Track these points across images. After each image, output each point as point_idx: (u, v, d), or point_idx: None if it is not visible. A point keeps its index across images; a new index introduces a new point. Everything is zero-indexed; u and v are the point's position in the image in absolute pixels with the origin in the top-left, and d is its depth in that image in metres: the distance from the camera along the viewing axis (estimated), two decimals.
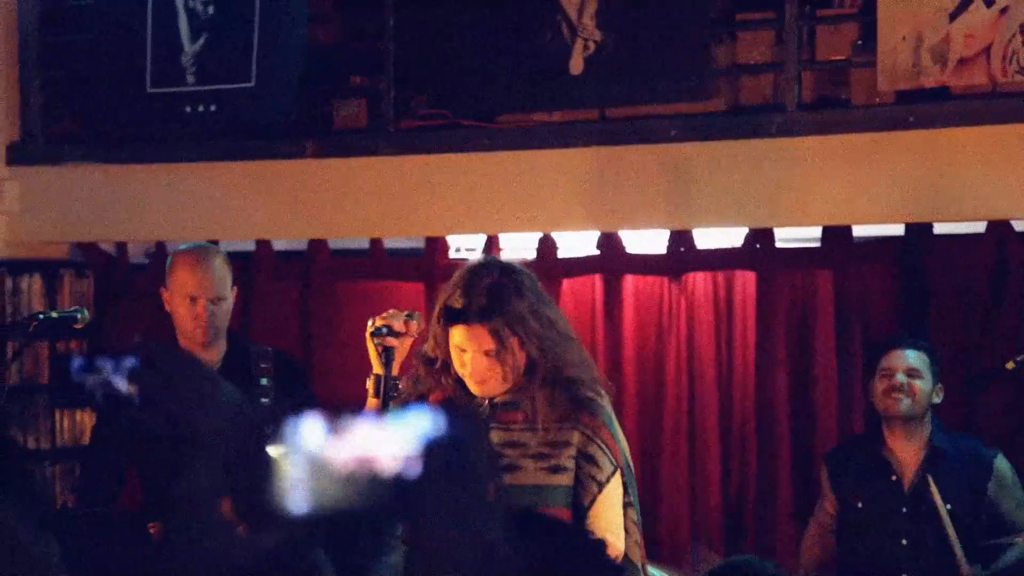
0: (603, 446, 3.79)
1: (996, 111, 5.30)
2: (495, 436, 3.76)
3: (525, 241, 5.92)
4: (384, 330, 3.85)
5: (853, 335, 5.54)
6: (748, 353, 5.63)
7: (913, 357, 4.96)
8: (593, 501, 3.75)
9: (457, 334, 3.76)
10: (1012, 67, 5.25)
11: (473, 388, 3.79)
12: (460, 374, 3.79)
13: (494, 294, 3.75)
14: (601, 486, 3.76)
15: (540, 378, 3.76)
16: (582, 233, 5.90)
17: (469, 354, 3.76)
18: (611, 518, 3.76)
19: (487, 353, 3.75)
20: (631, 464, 3.85)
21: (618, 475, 3.79)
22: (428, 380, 3.87)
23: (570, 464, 3.75)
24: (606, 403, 3.84)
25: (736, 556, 3.84)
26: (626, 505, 3.81)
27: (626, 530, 3.79)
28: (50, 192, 6.52)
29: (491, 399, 3.81)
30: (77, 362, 2.03)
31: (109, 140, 6.46)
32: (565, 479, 3.75)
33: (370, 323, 3.87)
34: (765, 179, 5.55)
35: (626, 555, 3.77)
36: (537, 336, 3.76)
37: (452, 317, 3.77)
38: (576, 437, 3.76)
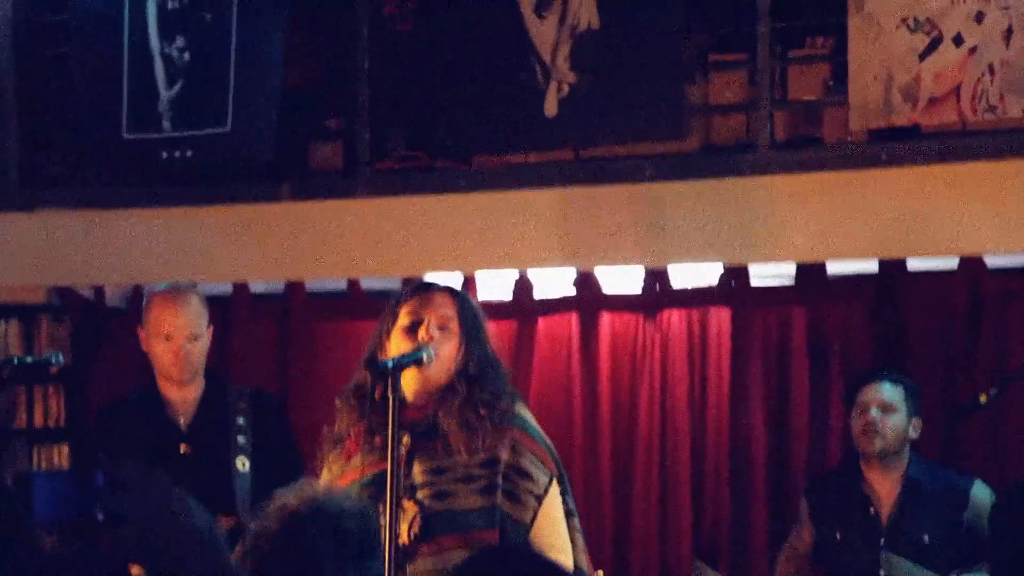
0: (534, 458, 3.75)
1: (967, 149, 5.35)
2: (419, 466, 3.72)
3: (501, 280, 5.94)
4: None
5: (828, 371, 5.57)
6: (723, 390, 5.65)
7: (888, 391, 4.99)
8: (535, 517, 3.72)
9: (420, 301, 3.78)
10: (982, 105, 5.31)
11: (414, 378, 3.71)
12: (401, 349, 3.73)
13: (455, 289, 3.88)
14: (540, 499, 3.72)
15: (459, 396, 3.74)
16: (558, 271, 5.92)
17: (425, 323, 3.74)
18: (556, 532, 3.73)
19: (442, 323, 3.76)
20: (564, 471, 3.81)
21: (555, 484, 3.76)
22: (351, 414, 3.82)
23: (499, 482, 3.70)
24: (527, 413, 3.82)
25: None
26: (567, 514, 3.78)
27: (572, 540, 3.76)
28: (27, 236, 6.53)
29: (413, 429, 3.74)
30: (48, 483, 2.01)
31: (86, 185, 6.48)
32: (496, 499, 3.70)
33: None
34: (739, 217, 5.59)
35: (576, 566, 3.74)
36: (479, 340, 3.80)
37: (423, 287, 3.84)
38: (505, 454, 3.73)
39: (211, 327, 4.85)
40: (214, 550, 1.97)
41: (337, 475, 3.87)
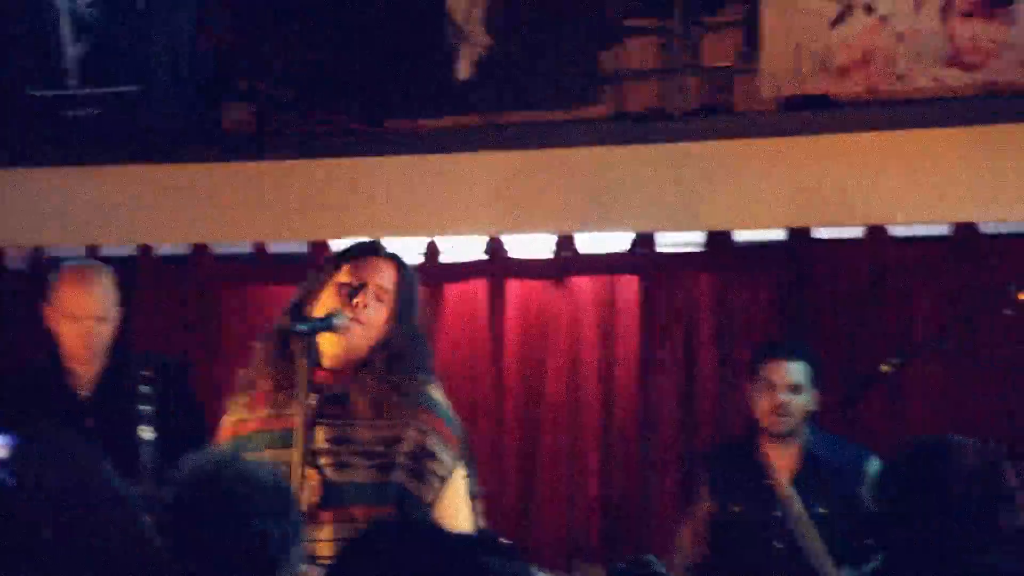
0: (440, 440, 3.73)
1: (875, 118, 5.37)
2: (322, 432, 3.69)
3: (411, 246, 5.90)
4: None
5: (735, 339, 5.58)
6: (630, 357, 5.65)
7: (795, 371, 4.98)
8: (437, 498, 3.70)
9: (366, 264, 3.75)
10: (891, 75, 5.33)
11: (334, 342, 3.69)
12: (329, 307, 3.70)
13: (401, 259, 3.84)
14: (444, 480, 3.71)
15: (375, 372, 3.71)
16: (468, 238, 5.89)
17: (364, 289, 3.71)
18: (459, 513, 3.73)
19: (379, 293, 3.73)
20: (472, 454, 3.82)
21: (460, 468, 3.75)
22: (265, 360, 3.77)
23: (403, 461, 3.68)
24: (439, 395, 3.81)
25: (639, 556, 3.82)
26: (471, 497, 3.78)
27: (474, 523, 3.77)
28: None
29: (322, 392, 3.69)
30: None
31: None
32: (397, 477, 3.68)
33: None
34: (649, 184, 5.58)
35: None
36: (411, 315, 3.78)
37: (372, 248, 3.78)
38: (410, 434, 3.70)
39: (120, 307, 4.79)
40: (130, 510, 1.94)
41: (239, 420, 3.82)
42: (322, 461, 3.69)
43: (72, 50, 6.30)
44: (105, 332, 4.75)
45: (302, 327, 3.66)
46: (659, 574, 4.59)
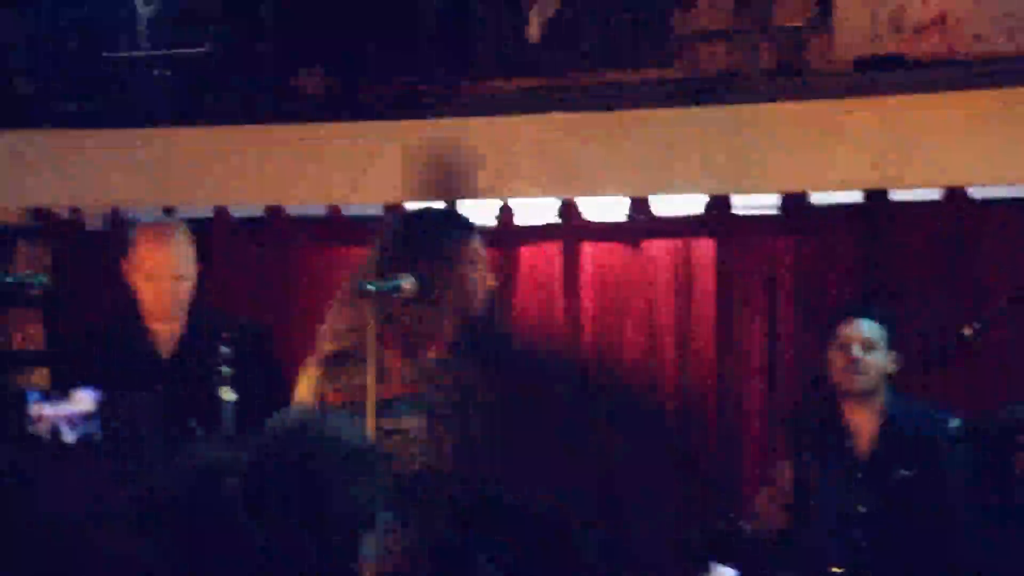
0: None
1: (952, 78, 5.33)
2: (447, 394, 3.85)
3: (485, 209, 5.91)
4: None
5: (812, 302, 5.56)
6: (707, 321, 5.65)
7: (869, 328, 4.99)
8: None
9: (472, 246, 3.98)
10: (968, 34, 5.29)
11: (472, 305, 3.89)
12: (464, 289, 3.90)
13: None
14: None
15: (485, 337, 3.96)
16: (542, 201, 5.90)
17: (480, 266, 3.96)
18: None
19: None
20: None
21: None
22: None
23: None
24: None
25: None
26: None
27: None
28: (5, 157, 6.46)
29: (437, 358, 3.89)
30: (34, 396, 1.99)
31: (64, 105, 6.40)
32: None
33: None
34: (724, 146, 5.56)
35: None
36: None
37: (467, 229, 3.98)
38: None
39: (198, 264, 4.82)
40: (214, 471, 1.97)
41: (335, 388, 3.89)
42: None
43: (144, 11, 6.33)
44: (183, 290, 4.77)
45: (370, 287, 3.77)
46: (746, 538, 4.62)
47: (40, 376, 6.27)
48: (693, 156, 5.60)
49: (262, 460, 3.02)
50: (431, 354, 3.88)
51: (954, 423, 4.91)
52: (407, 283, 3.79)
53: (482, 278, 3.91)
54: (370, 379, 3.68)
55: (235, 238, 6.23)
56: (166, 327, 4.81)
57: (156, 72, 6.26)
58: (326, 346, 3.94)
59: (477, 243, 3.94)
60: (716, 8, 5.77)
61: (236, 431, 4.72)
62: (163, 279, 4.74)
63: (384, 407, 3.78)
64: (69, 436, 1.95)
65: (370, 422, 3.65)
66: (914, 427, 4.95)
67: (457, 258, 3.89)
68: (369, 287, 3.76)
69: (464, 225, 3.98)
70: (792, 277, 5.58)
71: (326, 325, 3.98)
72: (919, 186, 5.43)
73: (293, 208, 6.22)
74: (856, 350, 4.96)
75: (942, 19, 5.35)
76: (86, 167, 6.34)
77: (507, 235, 5.82)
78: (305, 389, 3.94)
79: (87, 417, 1.97)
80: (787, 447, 5.13)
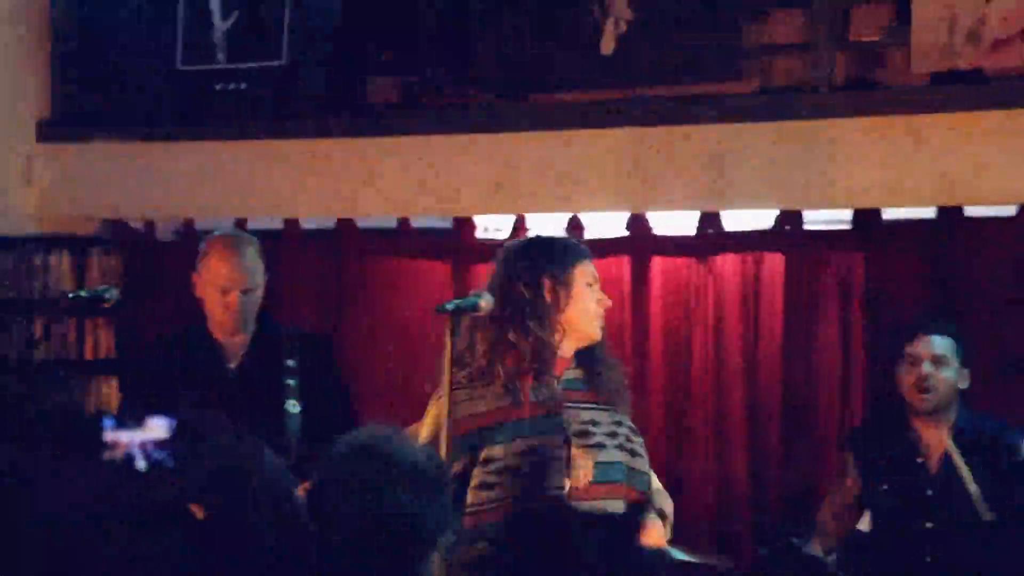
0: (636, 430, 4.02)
1: None
2: (575, 415, 3.89)
3: (553, 222, 5.89)
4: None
5: (883, 318, 5.50)
6: (775, 336, 5.60)
7: (939, 344, 4.92)
8: (649, 467, 4.01)
9: (590, 267, 3.99)
10: None
11: (592, 326, 3.93)
12: (584, 310, 3.92)
13: None
14: (645, 450, 4.01)
15: (600, 357, 3.98)
16: (611, 214, 5.87)
17: (596, 288, 3.98)
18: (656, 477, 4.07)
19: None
20: None
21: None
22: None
23: (639, 448, 3.97)
24: None
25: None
26: None
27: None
28: (80, 169, 6.54)
29: (559, 379, 3.91)
30: (109, 423, 2.00)
31: (139, 117, 6.47)
32: (641, 464, 3.98)
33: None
34: (795, 161, 5.51)
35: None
36: None
37: (583, 253, 3.99)
38: (627, 419, 3.99)
39: (267, 275, 4.84)
40: (285, 493, 1.96)
41: (474, 412, 3.89)
42: (583, 442, 3.88)
43: (221, 24, 6.38)
44: (252, 302, 4.77)
45: (448, 306, 3.80)
46: (804, 556, 4.56)
47: (109, 387, 6.34)
48: (764, 171, 5.55)
49: (330, 476, 3.02)
50: (556, 374, 3.94)
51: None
52: (484, 301, 3.83)
53: (599, 301, 3.98)
54: (446, 399, 3.73)
55: (305, 250, 6.25)
56: (234, 339, 4.83)
57: (231, 85, 6.31)
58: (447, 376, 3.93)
59: (592, 267, 4.01)
60: (790, 21, 5.72)
61: (301, 443, 4.73)
62: (231, 290, 4.75)
63: (518, 428, 3.85)
64: (141, 463, 1.96)
65: (443, 446, 3.67)
66: (985, 443, 4.88)
67: (573, 281, 3.94)
68: (447, 306, 3.80)
69: (579, 249, 4.04)
70: (863, 293, 5.52)
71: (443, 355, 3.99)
72: (992, 203, 5.36)
73: (363, 220, 6.23)
74: (927, 366, 4.90)
75: (1021, 33, 5.27)
76: (160, 179, 6.40)
77: None
78: (431, 422, 3.93)
79: (160, 444, 1.98)
80: (855, 463, 5.06)
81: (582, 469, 3.79)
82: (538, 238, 4.15)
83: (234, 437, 2.00)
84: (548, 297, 3.90)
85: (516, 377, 3.88)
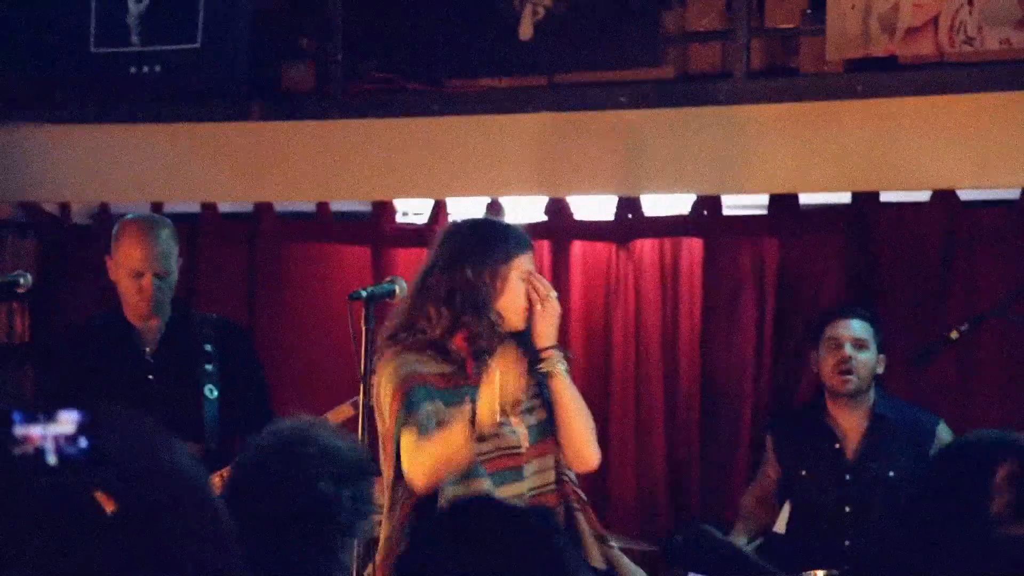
0: None
1: (943, 81, 5.32)
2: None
3: (473, 206, 5.89)
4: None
5: (800, 303, 5.55)
6: (695, 320, 5.63)
7: (859, 327, 4.97)
8: None
9: (526, 261, 4.00)
10: (959, 37, 5.27)
11: (518, 319, 3.95)
12: (512, 302, 3.94)
13: None
14: None
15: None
16: (530, 199, 5.88)
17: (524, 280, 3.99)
18: None
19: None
20: None
21: None
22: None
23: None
24: None
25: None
26: None
27: None
28: None
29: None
30: (18, 416, 1.96)
31: (52, 100, 6.38)
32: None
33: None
34: (713, 147, 5.55)
35: None
36: None
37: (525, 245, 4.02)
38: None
39: (181, 259, 4.80)
40: (200, 490, 1.95)
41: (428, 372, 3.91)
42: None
43: (135, 7, 6.31)
44: (166, 286, 4.73)
45: (362, 292, 3.94)
46: (717, 541, 4.59)
47: (25, 373, 6.26)
48: (682, 156, 5.58)
49: (249, 464, 3.01)
50: None
51: (942, 427, 4.90)
52: (398, 287, 3.91)
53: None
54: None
55: (222, 234, 6.21)
56: (150, 324, 4.78)
57: (145, 68, 6.24)
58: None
59: (529, 260, 4.03)
60: (707, 8, 5.75)
61: (218, 428, 4.70)
62: (146, 275, 4.69)
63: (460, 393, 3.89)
64: (52, 458, 1.93)
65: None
66: (902, 427, 4.93)
67: (509, 274, 3.95)
68: (361, 292, 3.86)
69: (522, 242, 4.05)
70: (781, 278, 5.56)
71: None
72: (907, 188, 5.42)
73: (281, 204, 6.20)
74: (848, 348, 4.94)
75: (934, 21, 5.33)
76: (75, 162, 6.32)
77: None
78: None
79: (71, 438, 1.95)
80: (773, 448, 5.10)
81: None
82: (487, 222, 4.21)
83: (147, 429, 1.98)
84: (490, 284, 3.93)
85: (465, 354, 3.92)
